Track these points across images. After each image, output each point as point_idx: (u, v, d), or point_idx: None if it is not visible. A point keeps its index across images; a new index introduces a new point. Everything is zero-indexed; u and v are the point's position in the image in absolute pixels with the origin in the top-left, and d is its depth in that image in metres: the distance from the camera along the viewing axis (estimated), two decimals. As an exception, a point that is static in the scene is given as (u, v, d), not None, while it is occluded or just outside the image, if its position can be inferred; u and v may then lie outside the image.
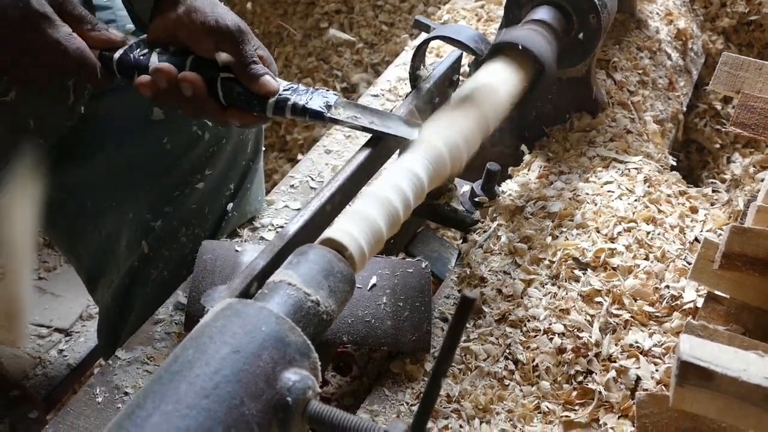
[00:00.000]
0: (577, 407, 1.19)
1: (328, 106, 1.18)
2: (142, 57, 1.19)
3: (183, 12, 1.18)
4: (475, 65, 1.42)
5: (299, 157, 2.42)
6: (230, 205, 1.51)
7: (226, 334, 0.79)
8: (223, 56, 1.17)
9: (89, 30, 1.16)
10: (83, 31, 1.15)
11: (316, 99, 1.19)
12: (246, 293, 0.97)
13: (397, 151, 1.34)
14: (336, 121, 1.19)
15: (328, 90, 1.21)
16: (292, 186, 1.64)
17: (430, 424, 1.17)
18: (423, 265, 1.35)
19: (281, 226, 1.53)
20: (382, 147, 1.21)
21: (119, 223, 1.48)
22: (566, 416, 1.19)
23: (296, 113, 1.18)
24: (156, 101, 1.21)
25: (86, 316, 2.03)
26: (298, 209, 1.56)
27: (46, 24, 1.09)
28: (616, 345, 1.22)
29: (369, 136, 1.21)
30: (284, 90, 1.19)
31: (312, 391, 0.80)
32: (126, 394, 1.22)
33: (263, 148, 1.60)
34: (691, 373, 0.82)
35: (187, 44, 1.19)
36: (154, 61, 1.18)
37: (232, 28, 1.16)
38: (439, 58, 1.88)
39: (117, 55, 1.18)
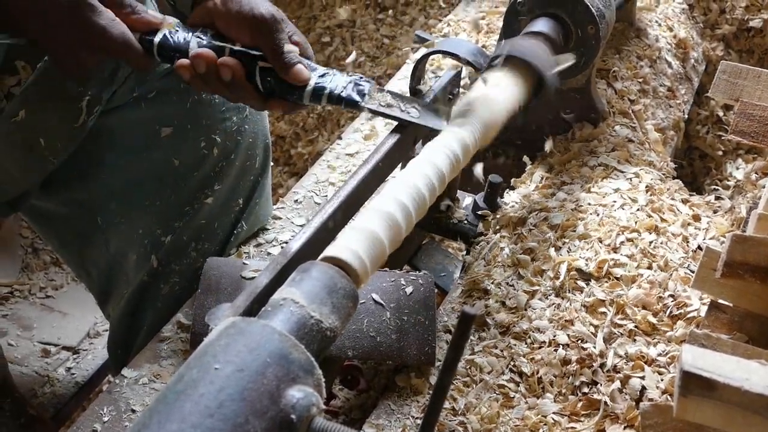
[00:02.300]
0: (582, 418, 1.19)
1: (363, 95, 1.21)
2: (182, 41, 1.21)
3: (220, 1, 1.21)
4: (475, 78, 1.42)
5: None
6: (240, 222, 1.52)
7: (229, 353, 0.80)
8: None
9: (129, 13, 1.19)
10: (124, 15, 1.18)
11: (351, 87, 1.22)
12: (249, 311, 0.98)
13: (399, 165, 1.35)
14: (370, 110, 1.22)
15: (362, 77, 1.24)
16: (296, 201, 1.64)
17: (436, 438, 1.17)
18: (427, 278, 1.36)
19: (285, 242, 1.54)
20: (385, 161, 1.22)
21: (129, 239, 1.48)
22: (572, 427, 1.19)
23: (332, 101, 1.21)
24: (194, 85, 1.23)
25: (93, 333, 2.03)
26: (302, 225, 1.57)
27: (90, 11, 1.14)
28: (620, 355, 1.22)
29: (372, 149, 1.22)
30: (320, 77, 1.22)
31: (316, 408, 0.80)
32: (133, 411, 1.22)
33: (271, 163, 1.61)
34: (693, 384, 0.82)
35: (225, 33, 1.22)
36: (194, 46, 1.20)
37: (267, 16, 1.19)
38: (441, 70, 1.89)
39: (157, 38, 1.20)
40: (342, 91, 1.21)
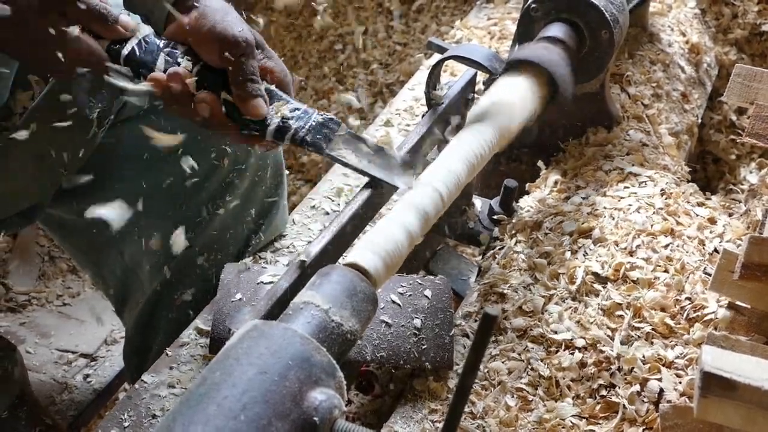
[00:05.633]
0: (601, 421, 1.20)
1: (329, 139, 1.15)
2: (149, 57, 1.14)
3: (194, 17, 1.15)
4: (490, 83, 1.43)
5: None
6: (256, 233, 1.53)
7: (252, 356, 0.81)
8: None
9: (98, 22, 1.12)
10: (92, 25, 1.12)
11: (319, 128, 1.15)
12: (270, 314, 0.98)
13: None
14: (333, 158, 1.15)
15: (333, 118, 1.17)
16: (312, 207, 1.65)
17: (455, 441, 1.17)
18: (444, 283, 1.36)
19: (302, 248, 1.55)
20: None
21: (142, 249, 1.49)
22: (591, 430, 1.19)
23: (295, 142, 1.15)
24: (164, 103, 1.17)
25: (111, 340, 2.05)
26: (319, 231, 1.58)
27: (53, 33, 1.09)
28: (638, 358, 1.22)
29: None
30: (291, 112, 1.16)
31: (338, 410, 0.81)
32: (154, 417, 1.23)
33: (286, 172, 1.61)
34: (714, 384, 0.83)
35: (196, 50, 1.16)
36: (161, 64, 1.14)
37: (239, 39, 1.13)
38: (454, 77, 1.89)
39: (125, 51, 1.14)
40: (307, 134, 1.15)
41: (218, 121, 1.16)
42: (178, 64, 1.14)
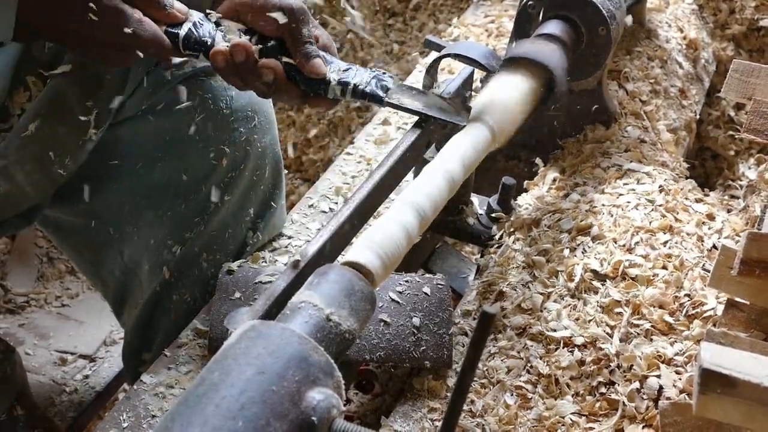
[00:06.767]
0: (600, 418, 1.19)
1: (386, 89, 1.23)
2: (207, 34, 1.21)
3: None
4: (487, 81, 1.43)
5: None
6: (254, 233, 1.53)
7: (250, 356, 0.80)
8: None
9: (157, 9, 1.19)
10: (150, 11, 1.18)
11: (375, 82, 1.24)
12: (268, 314, 0.98)
13: (413, 169, 1.36)
14: (393, 105, 1.24)
15: (384, 72, 1.26)
16: (310, 206, 1.65)
17: (454, 440, 1.17)
18: (442, 281, 1.36)
19: (300, 247, 1.54)
20: (402, 161, 1.22)
21: (141, 249, 1.49)
22: (590, 427, 1.19)
23: (356, 96, 1.24)
24: (227, 76, 1.24)
25: (110, 341, 2.05)
26: (317, 229, 1.57)
27: (119, 17, 1.14)
28: (637, 355, 1.22)
29: (386, 154, 1.22)
30: (344, 71, 1.24)
31: (337, 410, 0.80)
32: (153, 417, 1.23)
33: (284, 171, 1.61)
34: (713, 381, 0.82)
35: (250, 23, 1.23)
36: (219, 39, 1.21)
37: (294, 7, 1.21)
38: (452, 74, 1.89)
39: (183, 32, 1.20)
40: (366, 86, 1.23)
41: (282, 85, 1.23)
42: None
